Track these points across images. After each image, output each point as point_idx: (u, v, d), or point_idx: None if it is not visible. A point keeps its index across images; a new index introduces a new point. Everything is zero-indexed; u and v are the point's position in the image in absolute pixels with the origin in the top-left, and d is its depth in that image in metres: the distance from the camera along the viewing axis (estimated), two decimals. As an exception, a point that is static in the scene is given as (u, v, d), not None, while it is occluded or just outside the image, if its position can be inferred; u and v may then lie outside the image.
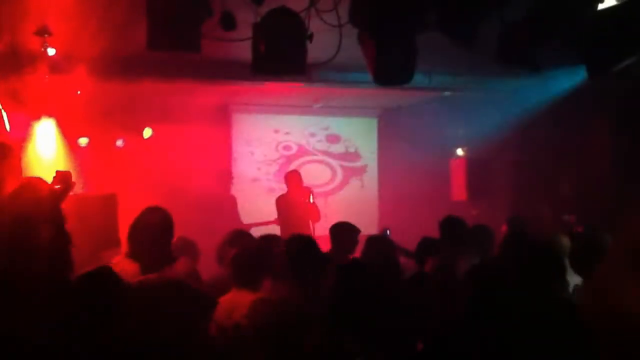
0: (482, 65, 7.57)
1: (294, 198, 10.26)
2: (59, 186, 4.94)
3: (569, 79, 8.56)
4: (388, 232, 8.03)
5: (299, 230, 9.35)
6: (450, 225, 6.61)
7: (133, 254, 4.95)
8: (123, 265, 4.84)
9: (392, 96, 11.08)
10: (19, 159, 5.35)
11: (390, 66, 5.82)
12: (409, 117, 12.04)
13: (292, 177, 10.56)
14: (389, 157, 12.84)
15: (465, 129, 11.49)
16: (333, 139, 13.12)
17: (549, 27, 5.68)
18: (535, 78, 8.66)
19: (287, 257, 5.15)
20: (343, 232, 6.94)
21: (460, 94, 10.53)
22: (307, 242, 5.39)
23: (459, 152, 11.59)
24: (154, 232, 4.99)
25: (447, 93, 10.56)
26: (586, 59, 5.84)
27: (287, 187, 10.54)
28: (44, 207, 4.69)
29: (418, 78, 6.31)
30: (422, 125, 11.58)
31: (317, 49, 5.89)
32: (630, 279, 2.69)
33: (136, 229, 5.04)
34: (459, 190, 11.13)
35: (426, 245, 6.35)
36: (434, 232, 6.68)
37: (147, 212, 5.11)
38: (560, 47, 6.02)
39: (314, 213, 10.22)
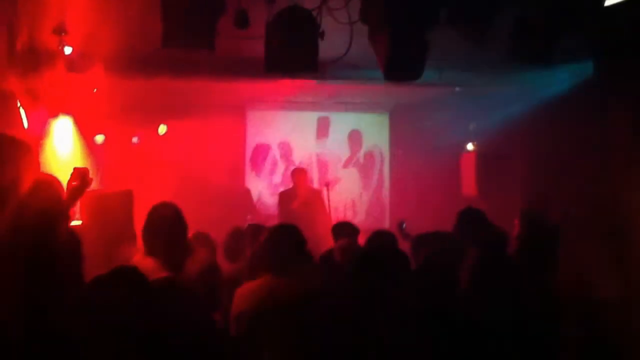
0: (493, 61, 7.56)
1: (297, 195, 10.24)
2: (76, 183, 4.97)
3: (581, 73, 8.52)
4: (404, 224, 8.01)
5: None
6: (470, 217, 6.61)
7: (150, 252, 4.99)
8: (143, 263, 4.88)
9: (403, 92, 11.06)
10: (37, 156, 5.38)
11: (400, 63, 5.82)
12: (421, 113, 12.03)
13: (298, 175, 10.54)
14: (401, 153, 12.84)
15: (477, 124, 11.46)
16: (346, 134, 13.15)
17: (561, 22, 5.68)
18: (547, 73, 8.64)
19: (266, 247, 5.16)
20: (343, 231, 7.02)
21: (471, 89, 10.50)
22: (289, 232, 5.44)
23: (470, 146, 11.55)
24: (168, 225, 5.05)
25: (457, 89, 10.53)
26: (594, 56, 5.84)
27: (293, 183, 10.53)
28: (62, 204, 4.72)
29: (429, 74, 6.31)
30: (433, 120, 11.58)
31: (329, 47, 5.92)
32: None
33: (149, 227, 5.10)
34: (469, 185, 11.09)
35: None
36: (445, 226, 6.68)
37: (156, 208, 5.16)
38: (572, 42, 6.01)
39: (320, 215, 10.17)
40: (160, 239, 4.96)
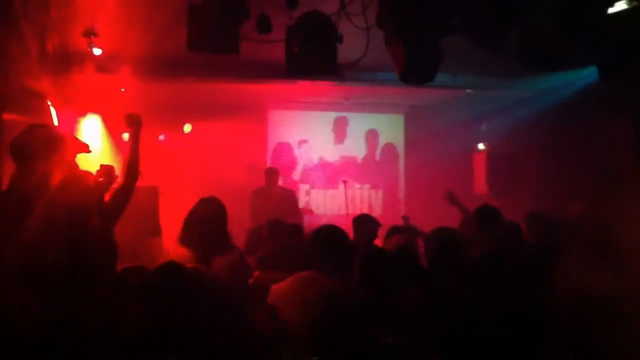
0: (504, 65, 7.54)
1: (270, 194, 10.13)
2: (102, 179, 5.01)
3: (588, 78, 8.49)
4: (407, 221, 8.06)
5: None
6: (488, 214, 6.61)
7: (188, 242, 5.05)
8: (178, 251, 4.95)
9: (418, 94, 11.08)
10: (70, 151, 5.40)
11: (415, 67, 5.82)
12: (435, 114, 12.03)
13: (271, 175, 10.38)
14: (415, 152, 12.84)
15: (488, 125, 11.45)
16: (363, 133, 13.19)
17: (567, 29, 5.66)
18: (555, 77, 8.61)
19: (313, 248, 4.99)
20: (364, 223, 7.03)
21: (483, 92, 10.49)
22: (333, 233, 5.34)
23: (481, 146, 11.54)
24: (211, 222, 5.15)
25: (470, 91, 10.52)
26: (598, 62, 5.82)
27: (266, 183, 10.37)
28: (94, 198, 4.75)
29: (443, 77, 6.33)
30: (447, 122, 11.57)
31: (347, 50, 5.93)
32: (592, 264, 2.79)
33: (193, 220, 5.19)
34: (480, 183, 11.07)
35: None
36: (456, 223, 6.71)
37: (202, 203, 5.23)
38: (579, 48, 5.98)
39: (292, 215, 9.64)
40: (195, 232, 5.09)
